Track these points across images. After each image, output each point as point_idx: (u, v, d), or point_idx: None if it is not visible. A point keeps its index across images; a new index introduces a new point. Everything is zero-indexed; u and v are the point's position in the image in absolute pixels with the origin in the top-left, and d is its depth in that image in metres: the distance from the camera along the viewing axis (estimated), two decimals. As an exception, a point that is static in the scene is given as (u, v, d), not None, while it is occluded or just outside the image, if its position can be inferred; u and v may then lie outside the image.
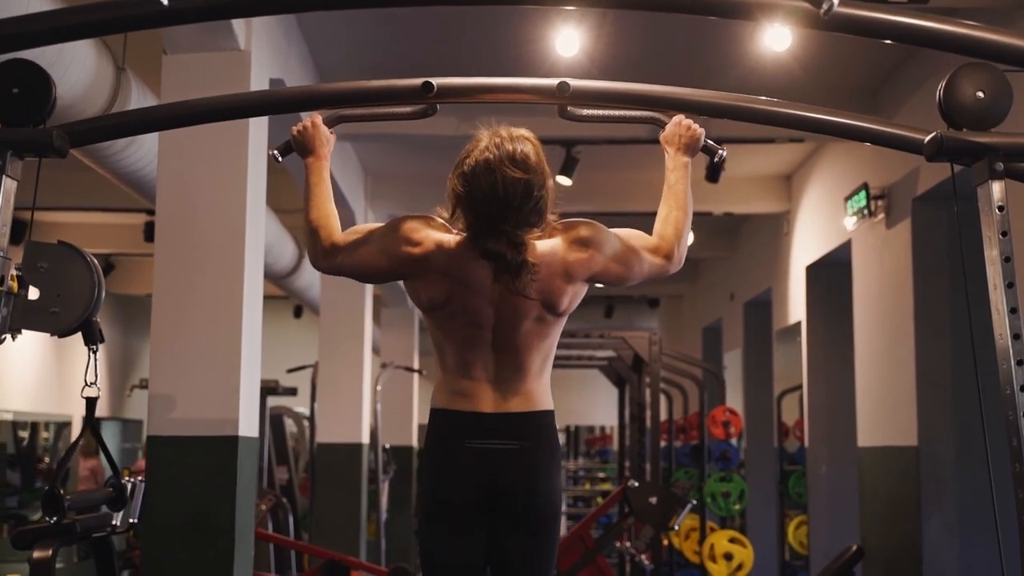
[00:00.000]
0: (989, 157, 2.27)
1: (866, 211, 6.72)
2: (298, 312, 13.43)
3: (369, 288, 8.59)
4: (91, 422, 2.79)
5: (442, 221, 2.64)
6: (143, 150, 5.05)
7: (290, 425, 11.17)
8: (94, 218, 9.81)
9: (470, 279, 2.57)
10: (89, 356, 2.78)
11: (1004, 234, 2.24)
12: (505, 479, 2.56)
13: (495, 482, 2.56)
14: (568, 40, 4.99)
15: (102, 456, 3.53)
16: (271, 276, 8.72)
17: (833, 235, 7.63)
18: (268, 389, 8.91)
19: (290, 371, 9.84)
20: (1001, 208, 2.25)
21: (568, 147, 6.92)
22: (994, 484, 2.28)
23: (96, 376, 2.80)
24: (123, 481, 3.53)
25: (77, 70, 4.13)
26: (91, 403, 2.81)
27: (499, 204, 2.50)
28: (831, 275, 8.10)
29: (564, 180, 7.11)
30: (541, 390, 2.64)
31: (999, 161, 2.26)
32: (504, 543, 2.60)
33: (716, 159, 2.85)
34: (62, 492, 2.69)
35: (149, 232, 8.89)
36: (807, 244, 8.34)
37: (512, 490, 2.56)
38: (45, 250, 2.65)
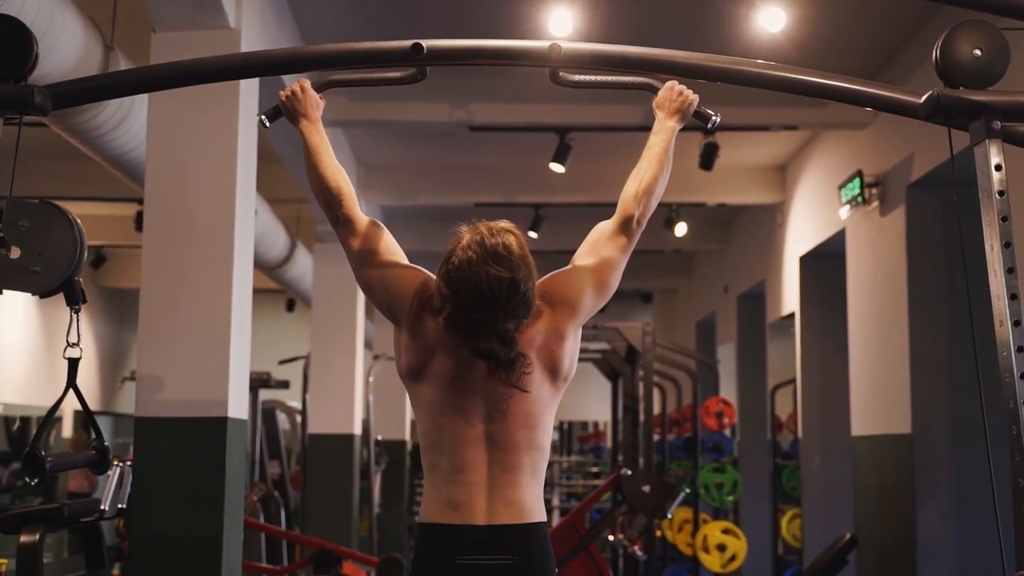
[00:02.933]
0: (986, 116, 2.24)
1: (860, 199, 6.69)
2: (291, 306, 13.37)
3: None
4: (73, 383, 2.76)
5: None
6: (133, 131, 5.00)
7: (283, 421, 11.13)
8: (85, 208, 9.71)
9: (461, 360, 2.50)
10: (71, 316, 2.74)
11: (1001, 193, 2.20)
12: None
13: None
14: (561, 20, 4.97)
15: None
16: (263, 266, 8.68)
17: (827, 225, 7.61)
18: (260, 382, 8.88)
19: (282, 362, 9.82)
20: (999, 167, 2.22)
21: (561, 134, 6.88)
22: (993, 471, 2.25)
23: (79, 337, 2.76)
24: (113, 465, 3.49)
25: (64, 48, 4.09)
26: (73, 364, 2.77)
27: (485, 304, 2.43)
28: (825, 265, 8.09)
29: (557, 167, 7.08)
30: (534, 499, 2.54)
31: (996, 120, 2.23)
32: None
33: (710, 125, 2.81)
34: (43, 453, 2.65)
35: (141, 222, 8.84)
36: (801, 235, 8.32)
37: None
38: (26, 208, 2.61)
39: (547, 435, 2.58)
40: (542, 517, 2.54)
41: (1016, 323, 2.17)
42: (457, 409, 2.50)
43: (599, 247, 2.69)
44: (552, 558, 2.54)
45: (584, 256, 2.69)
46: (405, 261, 2.66)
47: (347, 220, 2.64)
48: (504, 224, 2.54)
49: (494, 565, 2.45)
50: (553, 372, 2.55)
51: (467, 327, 2.46)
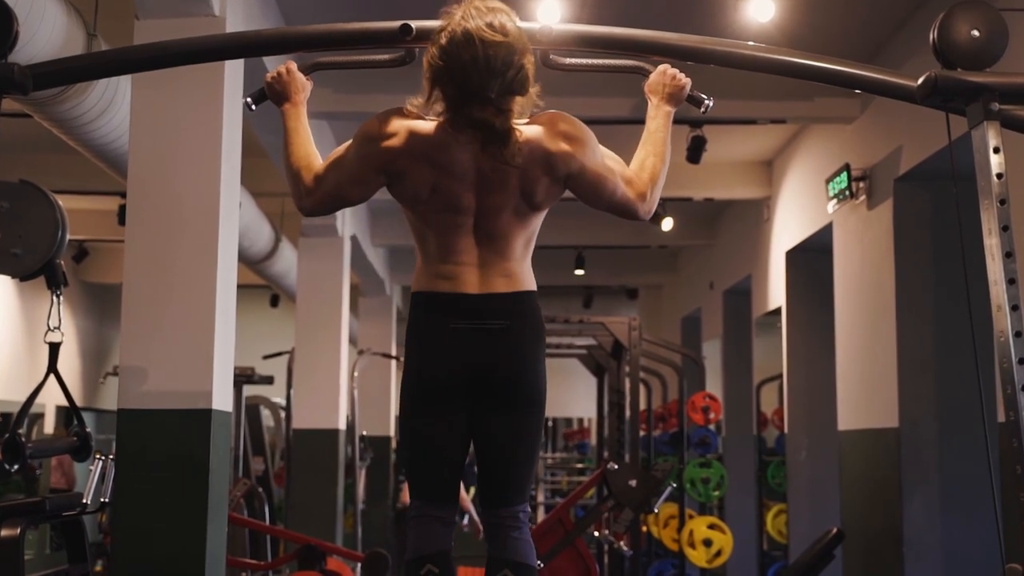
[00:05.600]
0: (984, 97, 2.21)
1: (847, 193, 6.67)
2: (275, 301, 13.31)
3: (346, 273, 8.51)
4: (54, 368, 2.71)
5: (415, 110, 2.58)
6: (116, 120, 4.94)
7: (267, 418, 11.06)
8: (66, 202, 9.53)
9: (451, 162, 2.52)
10: (52, 300, 2.69)
11: (999, 176, 2.17)
12: (491, 357, 2.54)
13: (480, 361, 2.54)
14: (548, 10, 4.93)
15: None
16: (247, 260, 8.61)
17: (814, 219, 7.59)
18: (244, 377, 8.81)
19: (266, 357, 9.75)
20: (997, 150, 2.19)
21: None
22: (976, 462, 2.23)
23: (60, 321, 2.72)
24: (96, 458, 3.44)
25: (46, 34, 4.02)
26: (54, 348, 2.73)
27: (480, 71, 2.44)
28: (811, 259, 8.07)
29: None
30: (524, 271, 2.63)
31: (994, 101, 2.20)
32: (489, 422, 2.58)
33: (703, 109, 2.78)
34: (23, 439, 2.60)
35: (123, 216, 8.73)
36: (787, 229, 8.30)
37: (498, 368, 2.54)
38: (6, 189, 2.56)
39: (535, 228, 2.65)
40: (533, 287, 2.64)
41: (1014, 308, 2.14)
42: (448, 205, 2.55)
43: (615, 165, 2.68)
44: (542, 324, 2.64)
45: (603, 149, 2.69)
46: (353, 140, 2.64)
47: (309, 189, 2.65)
48: (498, 3, 2.55)
49: (487, 328, 2.55)
50: (527, 196, 2.57)
51: (460, 100, 2.47)
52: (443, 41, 2.46)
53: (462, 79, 2.44)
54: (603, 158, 2.66)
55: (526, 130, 2.54)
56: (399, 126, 2.54)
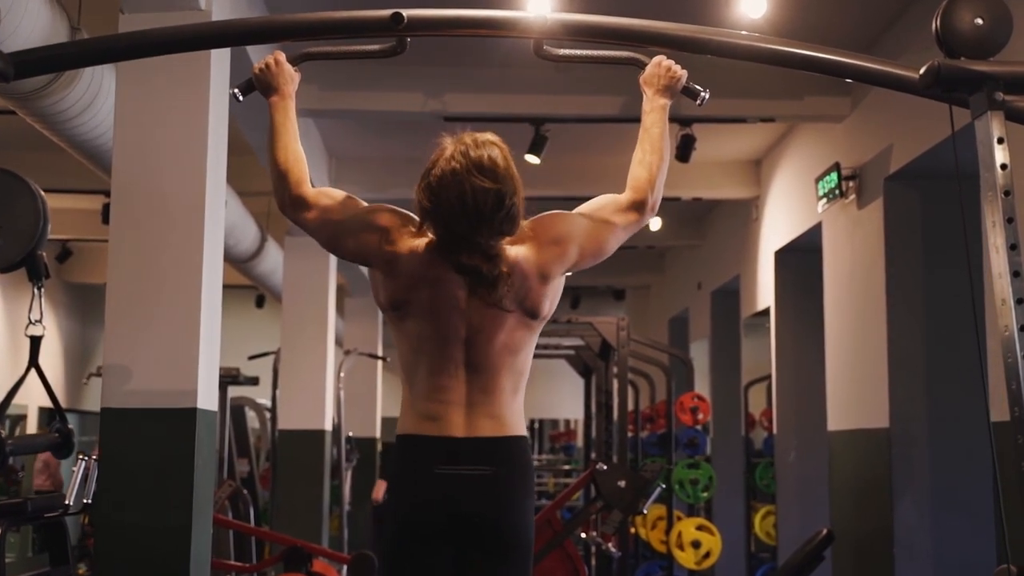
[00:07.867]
0: (988, 87, 2.17)
1: (837, 192, 6.64)
2: (260, 302, 13.23)
3: (333, 273, 8.46)
4: (35, 362, 2.65)
5: (417, 223, 2.51)
6: (100, 116, 4.88)
7: (252, 419, 10.99)
8: (49, 202, 9.53)
9: (441, 288, 2.45)
10: (34, 293, 2.63)
11: (1004, 167, 2.13)
12: (476, 505, 2.44)
13: (465, 509, 2.43)
14: (540, 2, 4.89)
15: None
16: (233, 260, 8.54)
17: (803, 219, 7.56)
18: (229, 378, 8.74)
19: (252, 358, 9.67)
20: (1001, 140, 2.15)
21: (537, 125, 6.79)
22: (975, 463, 2.19)
23: (41, 314, 2.66)
24: (79, 459, 3.38)
25: (28, 28, 3.96)
26: (35, 342, 2.67)
27: (469, 217, 2.38)
28: (801, 259, 8.04)
29: (532, 159, 6.99)
30: (514, 414, 2.52)
31: (999, 91, 2.16)
32: (472, 571, 2.48)
33: (699, 102, 2.74)
34: (2, 435, 2.54)
35: (107, 215, 8.62)
36: (776, 229, 8.27)
37: (483, 517, 2.44)
38: (-14, 179, 2.50)
39: (527, 359, 2.56)
40: (522, 431, 2.54)
41: (1019, 301, 2.10)
42: (436, 334, 2.47)
43: (606, 211, 2.64)
44: (531, 470, 2.55)
45: (587, 212, 2.63)
46: (363, 208, 2.58)
47: (293, 201, 2.57)
48: (490, 136, 2.49)
49: (472, 475, 2.45)
50: (531, 313, 2.51)
51: (449, 243, 2.42)
52: (431, 181, 2.41)
53: (450, 224, 2.39)
54: (594, 223, 2.61)
55: (514, 250, 2.49)
56: (399, 235, 2.49)
